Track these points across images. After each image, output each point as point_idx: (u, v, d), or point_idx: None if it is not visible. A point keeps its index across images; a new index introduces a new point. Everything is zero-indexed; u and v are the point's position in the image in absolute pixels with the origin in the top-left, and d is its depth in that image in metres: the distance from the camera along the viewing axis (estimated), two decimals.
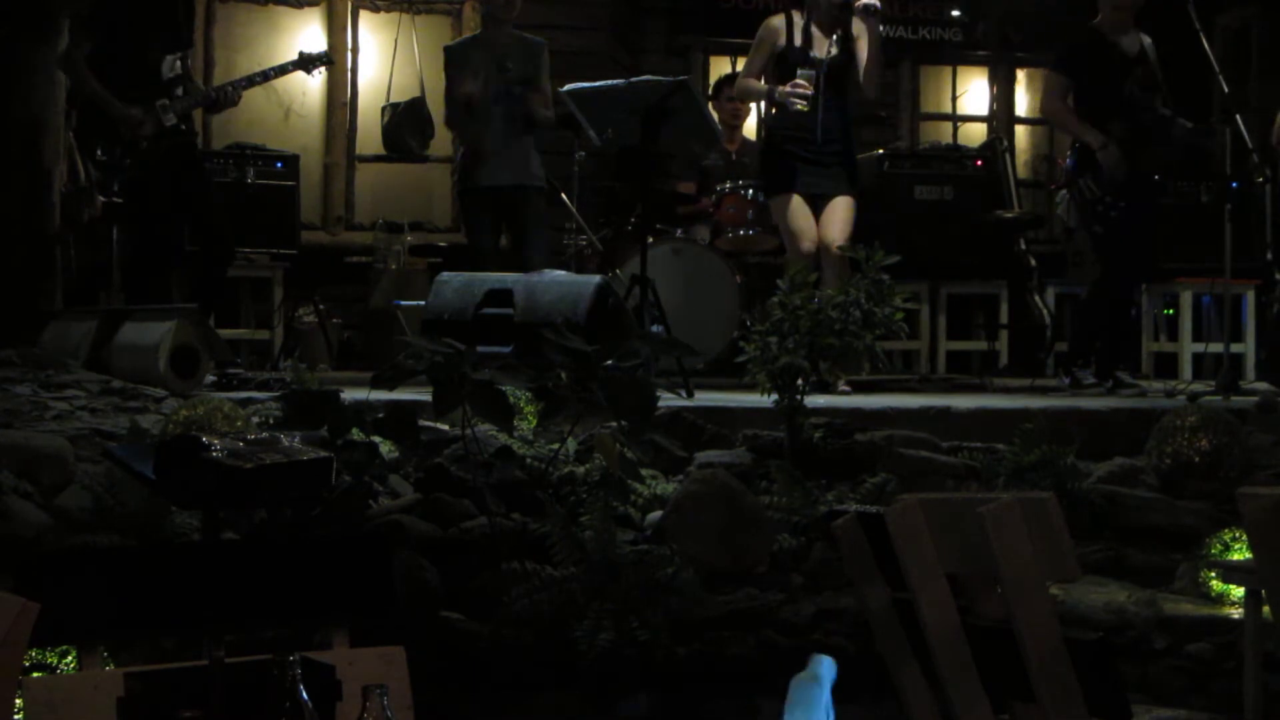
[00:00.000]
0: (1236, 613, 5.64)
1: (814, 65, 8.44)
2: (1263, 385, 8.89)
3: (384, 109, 11.13)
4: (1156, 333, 11.29)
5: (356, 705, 2.54)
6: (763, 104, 9.12)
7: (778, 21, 8.62)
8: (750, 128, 11.99)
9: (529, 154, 9.18)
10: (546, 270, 8.30)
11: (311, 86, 12.40)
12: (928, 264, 10.94)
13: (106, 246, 9.07)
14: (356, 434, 6.00)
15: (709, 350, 9.03)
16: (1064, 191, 9.38)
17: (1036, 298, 11.10)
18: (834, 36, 8.54)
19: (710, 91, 11.64)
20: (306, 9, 12.88)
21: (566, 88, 8.64)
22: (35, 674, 4.09)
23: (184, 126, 8.64)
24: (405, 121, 10.69)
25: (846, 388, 8.15)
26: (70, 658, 4.29)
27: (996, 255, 11.33)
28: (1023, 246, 11.30)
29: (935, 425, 7.25)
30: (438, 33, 12.71)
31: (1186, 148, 9.38)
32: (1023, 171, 13.37)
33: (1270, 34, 13.39)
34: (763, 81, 8.73)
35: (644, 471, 6.26)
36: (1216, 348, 9.83)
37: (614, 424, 6.24)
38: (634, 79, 8.77)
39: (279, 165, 11.18)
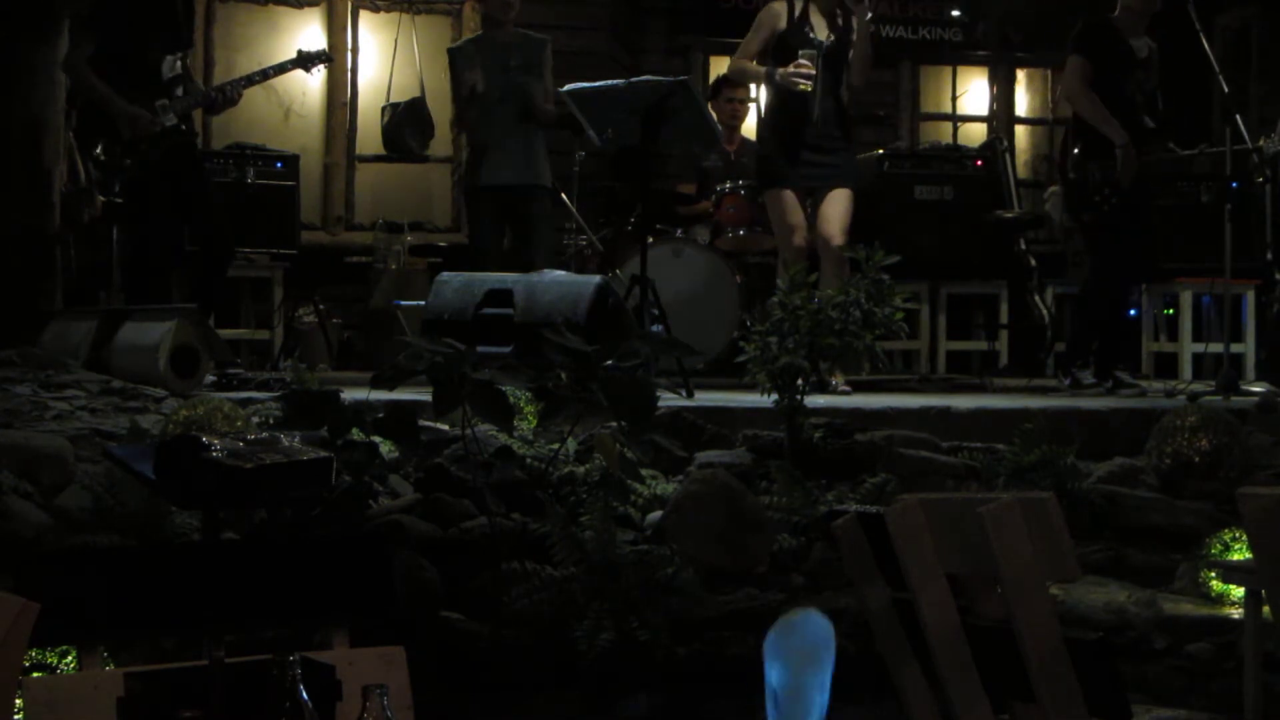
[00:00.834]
0: (1236, 613, 5.65)
1: (814, 47, 8.45)
2: (1263, 385, 8.89)
3: (384, 109, 11.12)
4: (1156, 333, 11.29)
5: (356, 705, 2.54)
6: (761, 93, 9.08)
7: (779, 6, 8.62)
8: (749, 128, 11.98)
9: (535, 153, 9.20)
10: (546, 270, 8.31)
11: (311, 86, 12.41)
12: (928, 264, 10.96)
13: (106, 246, 9.07)
14: (356, 434, 6.01)
15: (709, 350, 9.03)
16: (1053, 188, 9.39)
17: (1036, 298, 11.10)
18: (832, 21, 8.55)
19: (709, 91, 11.65)
20: (306, 9, 12.88)
21: (566, 88, 8.65)
22: (35, 674, 4.09)
23: (184, 126, 8.65)
24: (405, 121, 10.68)
25: (846, 388, 8.15)
26: (70, 658, 4.30)
27: (996, 255, 11.34)
28: (1023, 246, 11.30)
29: (935, 425, 7.25)
30: (438, 32, 12.73)
31: (1171, 167, 9.40)
32: (1023, 171, 13.38)
33: (1270, 34, 13.40)
34: (759, 65, 8.73)
35: (644, 471, 6.27)
36: (1216, 348, 9.83)
37: (614, 424, 6.24)
38: (634, 79, 8.77)
39: (279, 165, 11.19)
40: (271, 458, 5.42)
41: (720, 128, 10.12)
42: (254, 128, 12.15)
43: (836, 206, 8.49)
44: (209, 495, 5.27)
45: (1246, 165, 9.13)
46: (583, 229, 10.47)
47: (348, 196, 12.93)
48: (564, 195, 10.29)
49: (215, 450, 5.39)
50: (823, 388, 7.83)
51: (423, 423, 6.33)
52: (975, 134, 14.07)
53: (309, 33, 12.73)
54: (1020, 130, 14.41)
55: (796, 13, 8.57)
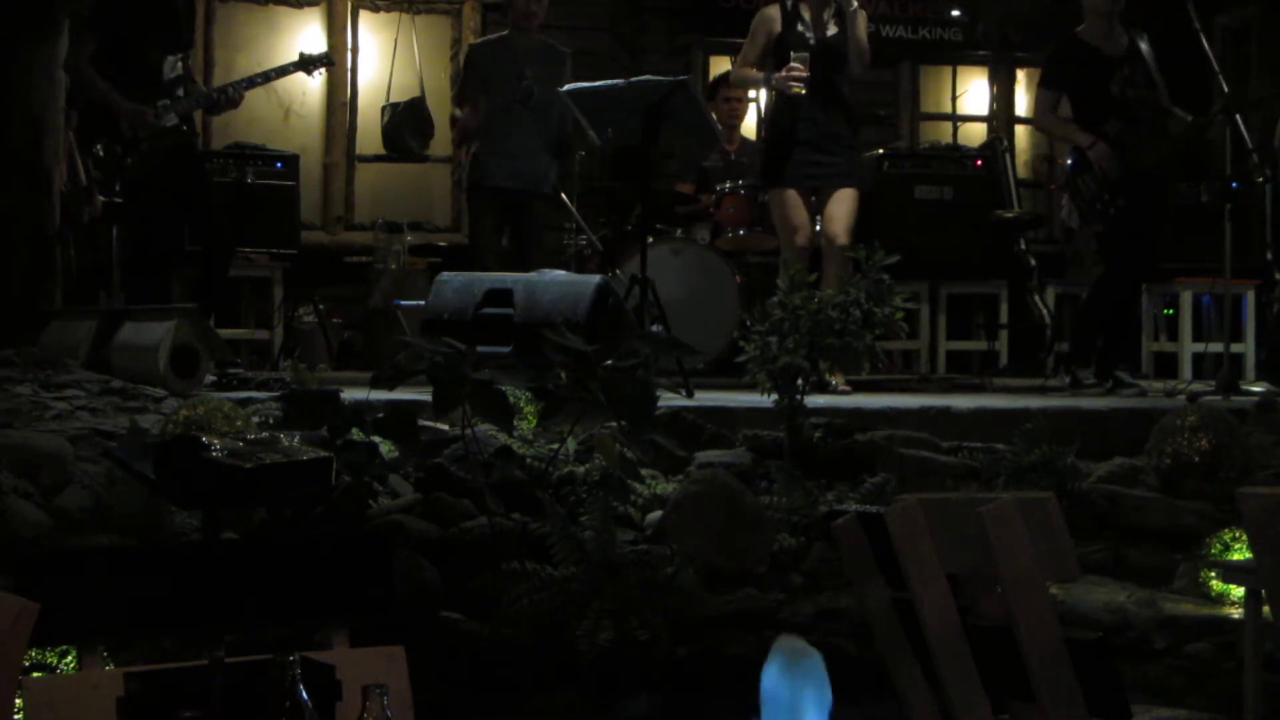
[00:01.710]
0: (1236, 613, 5.65)
1: (808, 47, 8.46)
2: (1263, 385, 8.89)
3: (384, 109, 11.14)
4: (1156, 333, 11.29)
5: (356, 705, 2.54)
6: (762, 97, 9.11)
7: (773, 10, 8.66)
8: (749, 127, 12.00)
9: (542, 159, 9.20)
10: (546, 270, 8.31)
11: (311, 86, 12.41)
12: (928, 264, 10.96)
13: (106, 246, 9.08)
14: (356, 434, 6.01)
15: (709, 350, 9.04)
16: (1067, 195, 9.41)
17: (1036, 298, 11.11)
18: (826, 19, 8.55)
19: (708, 91, 11.65)
20: (306, 9, 12.89)
21: (567, 87, 8.66)
22: (35, 674, 4.09)
23: (185, 126, 8.66)
24: (405, 121, 10.70)
25: (846, 387, 8.15)
26: (70, 658, 4.30)
27: (996, 255, 11.35)
28: (1023, 246, 11.31)
29: (935, 425, 7.25)
30: (438, 32, 12.74)
31: (1185, 141, 9.38)
32: (1023, 171, 13.37)
33: (1270, 34, 13.40)
34: (758, 70, 8.74)
35: (644, 471, 6.27)
36: (1216, 348, 9.83)
37: (614, 424, 6.24)
38: (634, 79, 8.77)
39: (279, 165, 11.20)
40: (271, 458, 5.42)
41: (720, 127, 10.13)
42: (254, 127, 12.16)
43: (841, 206, 8.50)
44: (209, 495, 5.27)
45: (1246, 165, 9.13)
46: (582, 229, 10.47)
47: (347, 196, 12.94)
48: (564, 195, 10.28)
49: (215, 450, 5.39)
50: (822, 387, 7.83)
51: (422, 422, 6.33)
52: (975, 134, 14.07)
53: (309, 32, 12.74)
54: (1020, 130, 14.41)
55: (790, 14, 8.58)
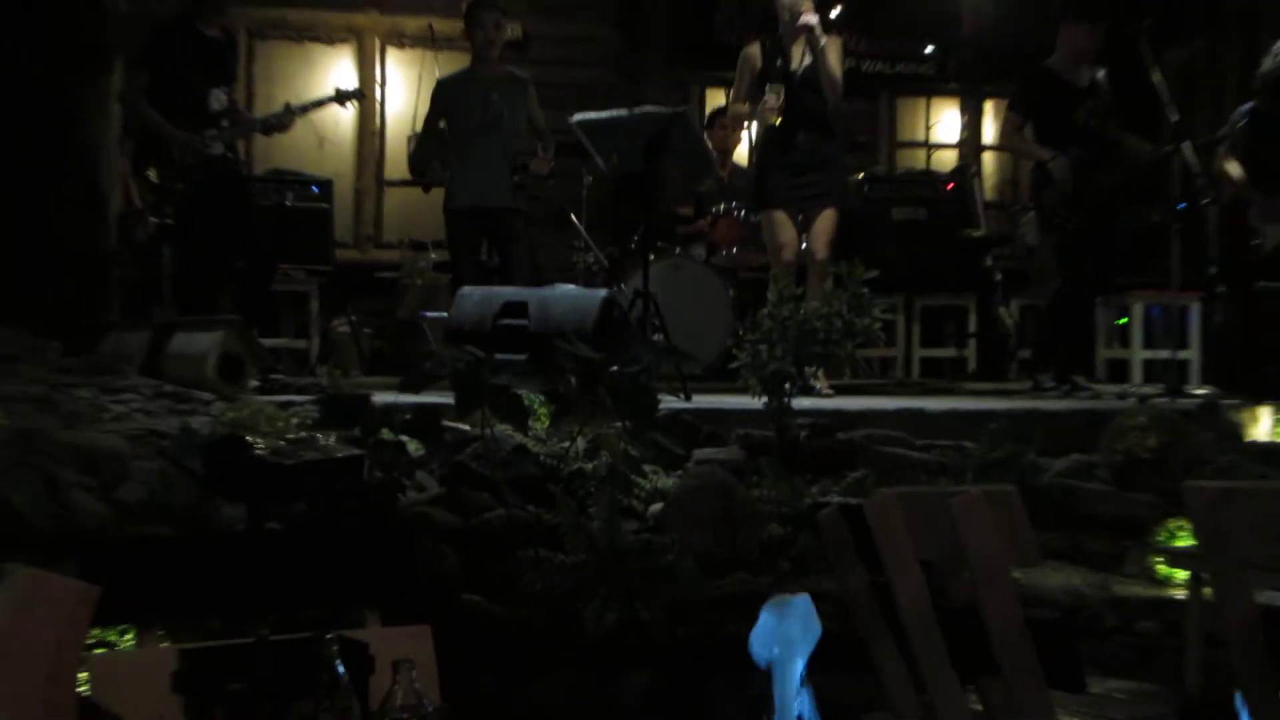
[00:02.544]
0: (1181, 594, 5.66)
1: (781, 80, 8.45)
2: (1206, 389, 8.91)
3: (410, 137, 11.14)
4: (1110, 340, 11.28)
5: (387, 678, 2.56)
6: (754, 126, 9.12)
7: (754, 49, 8.68)
8: (741, 155, 12.00)
9: (506, 178, 9.12)
10: (557, 285, 8.32)
11: (344, 117, 12.46)
12: (903, 278, 10.95)
13: (159, 264, 9.08)
14: (386, 434, 6.01)
15: (705, 357, 9.04)
16: (1029, 214, 9.45)
17: (1001, 309, 11.14)
18: (801, 52, 8.55)
19: (704, 122, 11.68)
20: (339, 46, 12.92)
21: (575, 117, 8.65)
22: (98, 650, 4.10)
23: (230, 154, 8.71)
24: (430, 149, 10.71)
25: (829, 390, 8.16)
26: (129, 636, 4.30)
27: (965, 271, 11.36)
28: (989, 263, 11.34)
29: (910, 425, 7.25)
30: (458, 67, 12.72)
31: (1138, 166, 9.40)
32: (990, 194, 13.39)
33: (1213, 68, 13.42)
34: (749, 105, 8.75)
35: (646, 467, 6.27)
36: (1164, 354, 9.84)
37: (619, 424, 6.24)
38: (636, 110, 8.77)
39: (315, 189, 11.21)
40: (309, 455, 5.46)
41: (715, 154, 10.15)
42: (292, 155, 12.19)
43: (823, 225, 8.50)
44: (253, 489, 5.31)
45: (1193, 188, 9.15)
46: (590, 247, 10.49)
47: (377, 217, 12.96)
48: (573, 216, 10.30)
49: (259, 449, 5.43)
50: (808, 391, 7.84)
51: (446, 423, 6.33)
52: (947, 160, 14.10)
53: (341, 67, 12.77)
54: (987, 157, 14.43)
55: (770, 51, 8.58)
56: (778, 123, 8.42)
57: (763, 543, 5.97)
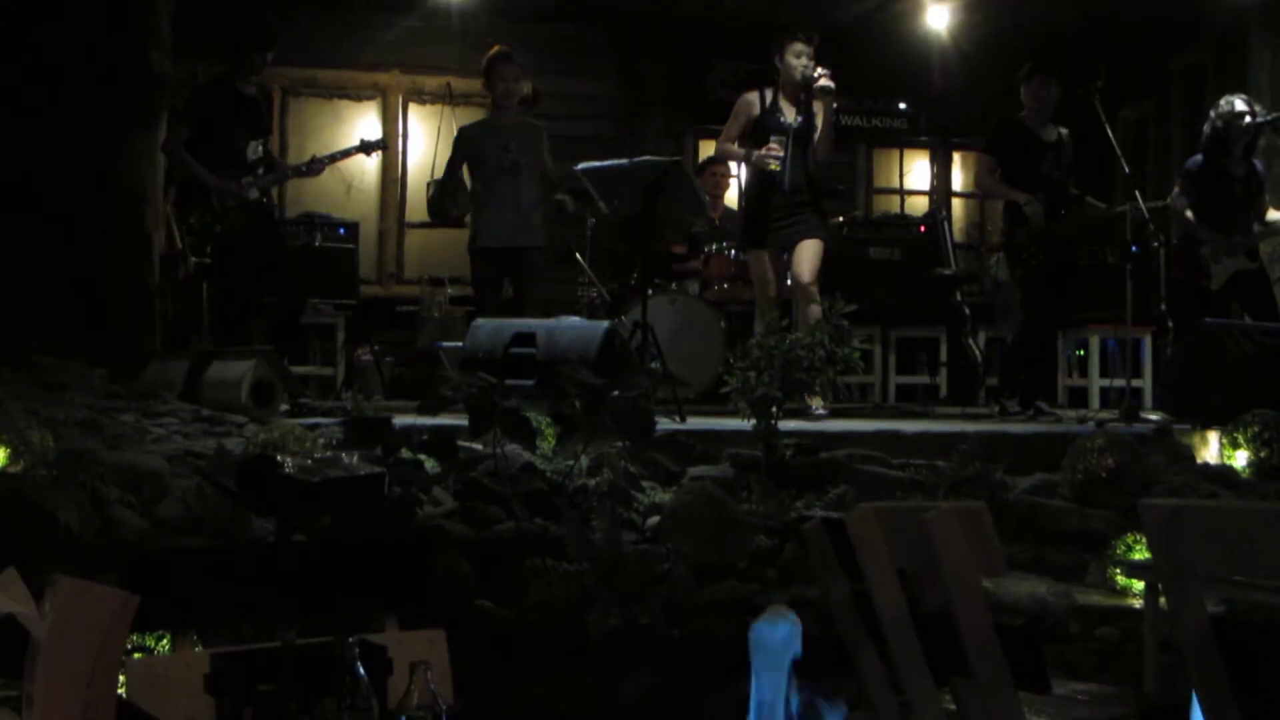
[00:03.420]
0: (1137, 603, 5.63)
1: (784, 131, 8.46)
2: (1158, 414, 8.90)
3: (429, 184, 11.10)
4: (1070, 370, 11.28)
5: (405, 679, 2.52)
6: (741, 167, 9.08)
7: (753, 95, 8.67)
8: (731, 198, 11.99)
9: (529, 220, 9.07)
10: (563, 317, 8.29)
11: (369, 166, 12.46)
12: (880, 312, 10.96)
13: (198, 299, 9.07)
14: (405, 453, 5.98)
15: (698, 383, 9.02)
16: (999, 254, 9.48)
17: (970, 341, 11.10)
18: (798, 107, 8.55)
19: (698, 169, 11.68)
20: (365, 101, 12.93)
21: (580, 166, 8.65)
22: (136, 655, 4.07)
23: (264, 199, 8.72)
24: (446, 194, 10.69)
25: (823, 410, 8.12)
26: (165, 641, 4.27)
27: (937, 305, 11.34)
28: (958, 298, 11.31)
29: (887, 445, 7.23)
30: (473, 120, 12.76)
31: (1094, 221, 9.43)
32: (959, 236, 13.37)
33: (1161, 125, 13.44)
34: (738, 146, 8.74)
35: (644, 483, 6.25)
36: (1120, 383, 9.84)
37: (619, 443, 6.23)
38: (636, 159, 8.77)
39: (342, 231, 11.22)
40: (335, 473, 5.41)
41: (707, 198, 10.14)
42: (321, 200, 12.19)
43: (806, 252, 8.47)
44: (283, 504, 5.26)
45: (1144, 233, 9.16)
46: (593, 282, 10.47)
47: (398, 256, 12.95)
48: (578, 255, 10.28)
49: (288, 467, 5.38)
50: (804, 412, 7.84)
51: (461, 443, 6.31)
52: (919, 205, 14.08)
53: (367, 121, 12.77)
54: (956, 202, 14.42)
55: (768, 101, 8.59)
56: (778, 169, 8.41)
57: (751, 553, 5.95)
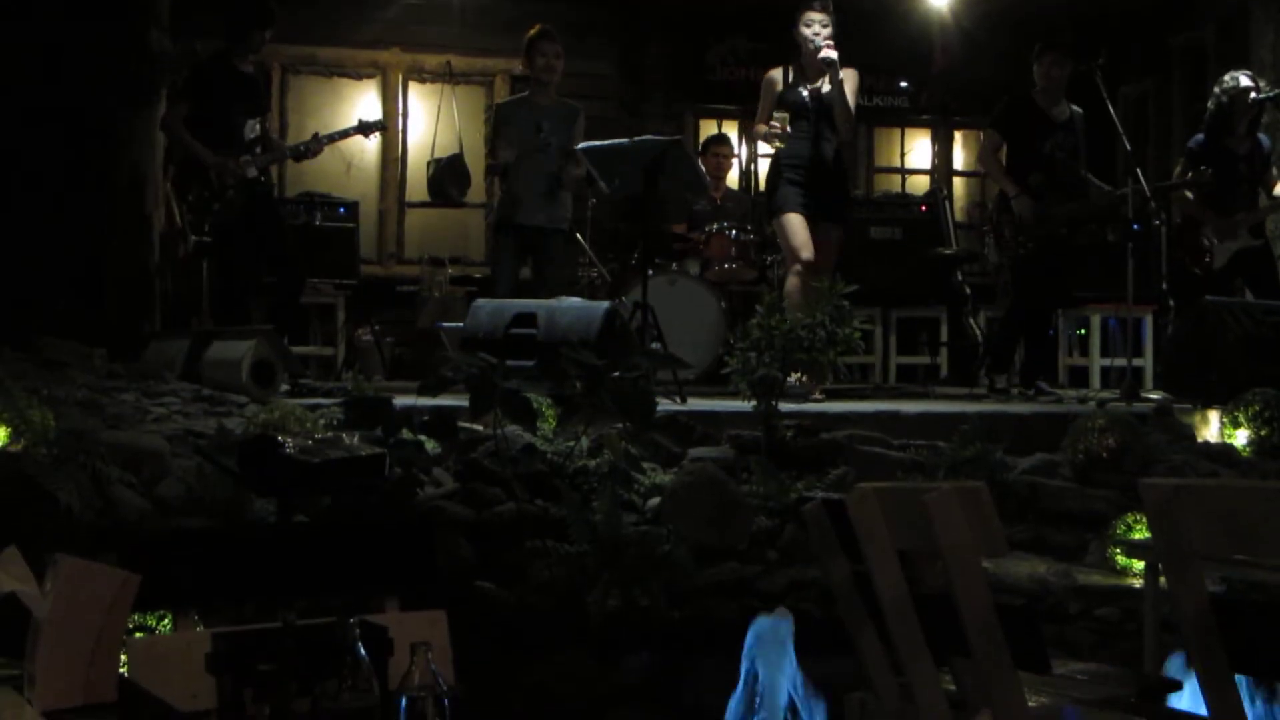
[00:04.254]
0: (1138, 583, 5.64)
1: (789, 107, 8.36)
2: (1159, 394, 8.90)
3: (429, 163, 11.12)
4: (1071, 349, 11.29)
5: (406, 660, 2.53)
6: (760, 147, 8.97)
7: (775, 73, 8.52)
8: (733, 178, 12.00)
9: (559, 201, 9.09)
10: (564, 297, 8.29)
11: (369, 145, 12.43)
12: (880, 292, 10.96)
13: (198, 278, 9.08)
14: (406, 433, 5.99)
15: (699, 364, 9.03)
16: (989, 237, 9.50)
17: (970, 321, 11.12)
18: (821, 80, 8.44)
19: (700, 148, 11.67)
20: (364, 80, 12.92)
21: (581, 145, 8.66)
22: (137, 634, 4.08)
23: (263, 178, 8.71)
24: (446, 174, 10.67)
25: (820, 395, 8.10)
26: (166, 621, 4.29)
27: (937, 285, 11.35)
28: (959, 278, 11.33)
29: (887, 426, 7.24)
30: (473, 100, 12.76)
31: (1095, 210, 9.43)
32: (960, 215, 13.36)
33: (1162, 103, 13.43)
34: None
35: (645, 465, 6.26)
36: (1121, 362, 9.84)
37: (620, 425, 6.24)
38: (636, 139, 8.77)
39: (341, 210, 11.22)
40: (335, 453, 5.42)
41: (709, 179, 10.13)
42: (321, 179, 12.19)
43: (827, 244, 8.41)
44: (283, 485, 5.27)
45: (1145, 211, 9.15)
46: (594, 263, 10.48)
47: (399, 236, 12.95)
48: (579, 235, 10.28)
49: (288, 447, 5.38)
50: (802, 396, 7.83)
51: (461, 424, 6.32)
52: (920, 184, 14.07)
53: (367, 100, 12.77)
54: (957, 181, 14.41)
55: (790, 77, 8.49)
56: (781, 145, 8.34)
57: (752, 534, 5.96)
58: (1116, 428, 6.91)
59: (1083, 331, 11.14)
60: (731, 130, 13.30)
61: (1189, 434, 7.49)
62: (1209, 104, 9.36)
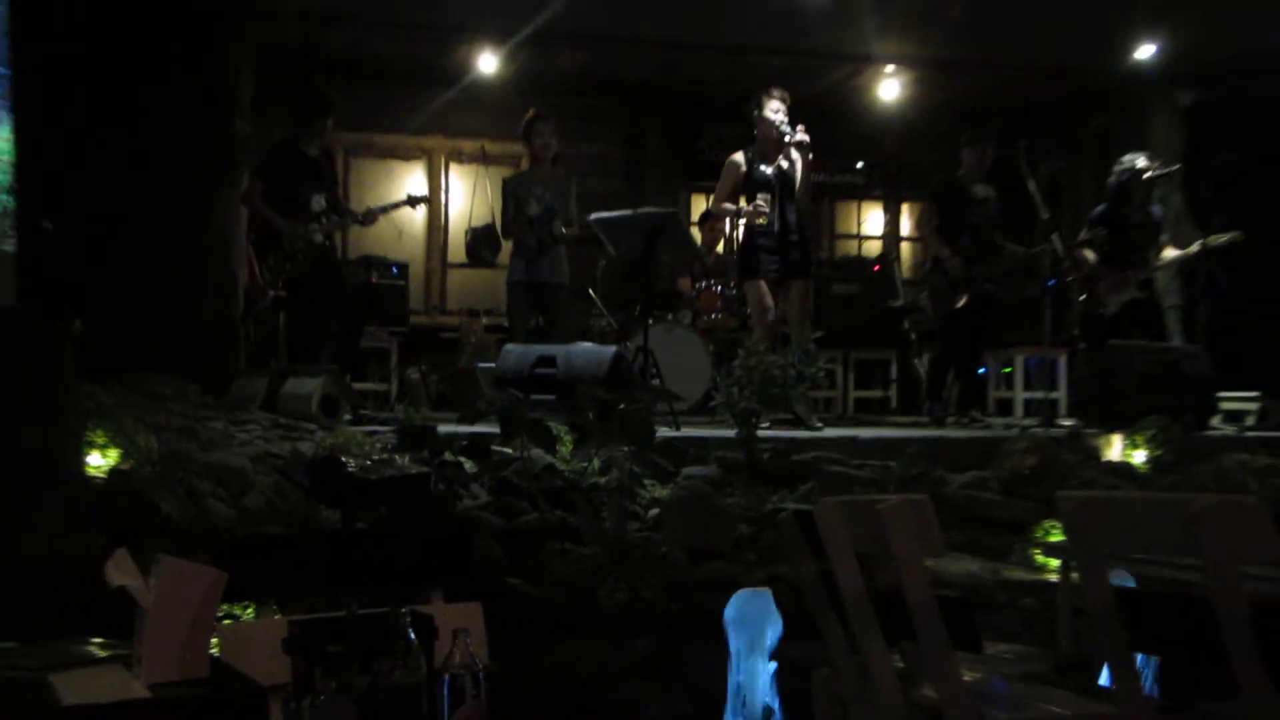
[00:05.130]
0: (1054, 578, 5.62)
1: (769, 183, 8.35)
2: (1072, 421, 8.90)
3: (467, 231, 11.13)
4: (998, 384, 11.28)
5: (448, 643, 2.54)
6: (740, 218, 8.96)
7: (738, 156, 8.48)
8: (722, 246, 12.02)
9: (560, 260, 9.09)
10: (578, 343, 8.30)
11: (416, 215, 12.48)
12: (841, 337, 10.95)
13: (275, 326, 9.08)
14: (448, 455, 6.01)
15: (691, 397, 9.02)
16: (925, 290, 9.62)
17: (915, 361, 11.12)
18: (779, 160, 8.43)
19: (699, 220, 11.71)
20: (413, 161, 12.96)
21: (592, 216, 8.66)
22: (226, 621, 4.08)
23: (328, 243, 8.72)
24: (481, 240, 10.69)
25: (819, 424, 8.08)
26: (249, 610, 4.29)
27: (888, 332, 11.37)
28: (906, 326, 11.33)
29: (847, 449, 7.24)
30: (505, 175, 12.78)
31: (1014, 263, 9.47)
32: (907, 273, 13.36)
33: (1074, 178, 13.48)
34: (730, 203, 8.56)
35: (646, 481, 6.26)
36: (1040, 395, 9.84)
37: (626, 448, 6.24)
38: (638, 210, 8.78)
39: (394, 270, 11.23)
40: (389, 472, 5.43)
41: (700, 244, 10.17)
42: (377, 243, 12.21)
43: (800, 297, 8.34)
44: (346, 498, 5.28)
45: (1060, 268, 9.19)
46: (604, 314, 10.48)
47: (442, 291, 12.95)
48: (590, 290, 10.29)
49: (350, 467, 5.40)
50: (807, 425, 7.86)
51: (494, 448, 6.32)
52: (873, 248, 14.08)
53: (415, 177, 12.81)
54: (905, 245, 14.42)
55: (751, 158, 8.47)
56: (766, 221, 8.30)
57: (735, 539, 5.95)
58: (1036, 449, 6.92)
59: (1008, 369, 11.13)
60: None
61: (1096, 454, 7.49)
62: (1110, 180, 9.41)
